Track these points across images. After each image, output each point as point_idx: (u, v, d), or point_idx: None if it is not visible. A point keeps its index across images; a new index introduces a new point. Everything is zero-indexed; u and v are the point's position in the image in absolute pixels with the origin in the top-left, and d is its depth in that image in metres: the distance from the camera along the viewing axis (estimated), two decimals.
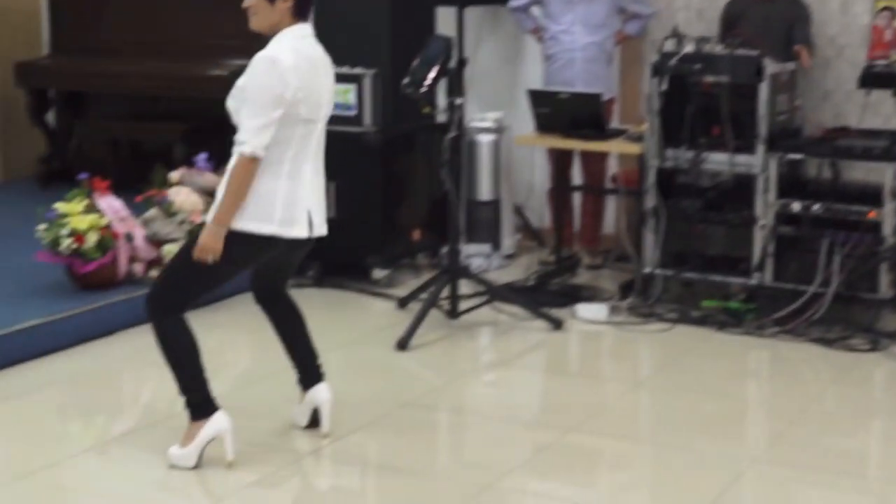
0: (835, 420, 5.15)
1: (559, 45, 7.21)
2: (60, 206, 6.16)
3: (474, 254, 7.30)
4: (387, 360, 5.80)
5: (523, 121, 7.23)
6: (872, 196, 6.03)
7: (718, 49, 6.26)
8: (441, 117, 6.51)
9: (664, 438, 4.93)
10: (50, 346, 5.75)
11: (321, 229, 4.60)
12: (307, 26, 4.54)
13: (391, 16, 6.84)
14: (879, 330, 6.02)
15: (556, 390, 5.63)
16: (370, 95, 6.78)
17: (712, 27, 7.11)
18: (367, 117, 6.80)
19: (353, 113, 6.80)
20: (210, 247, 4.33)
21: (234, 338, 6.08)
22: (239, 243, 4.38)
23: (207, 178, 6.57)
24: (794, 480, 4.52)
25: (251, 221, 4.37)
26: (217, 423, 4.49)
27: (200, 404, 4.50)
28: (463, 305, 6.30)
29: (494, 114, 7.57)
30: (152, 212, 6.47)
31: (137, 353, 5.81)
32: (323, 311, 6.47)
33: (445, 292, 6.21)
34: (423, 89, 5.82)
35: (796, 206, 6.15)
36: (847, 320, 6.07)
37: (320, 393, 4.83)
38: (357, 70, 6.77)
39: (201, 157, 6.72)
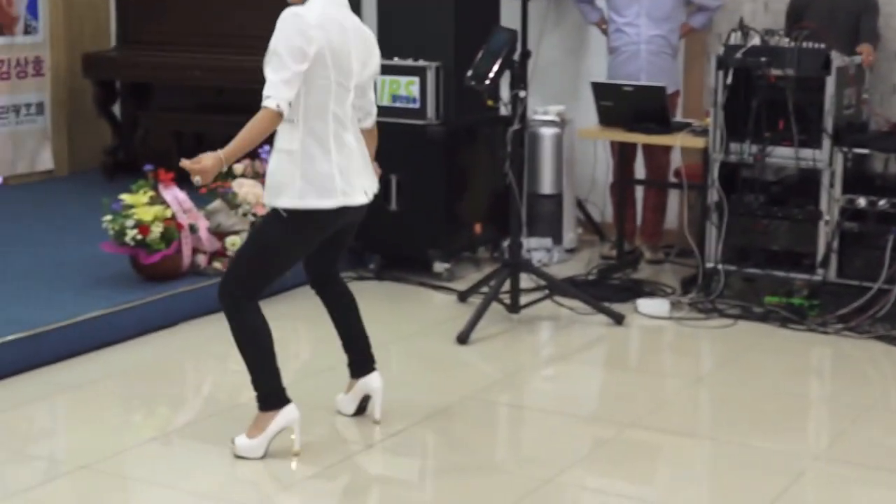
0: None
1: (624, 38, 7.18)
2: (126, 198, 6.22)
3: (535, 247, 7.29)
4: (447, 353, 5.80)
5: (586, 114, 7.21)
6: None
7: (785, 42, 6.21)
8: (504, 110, 6.50)
9: (724, 435, 4.90)
10: (113, 336, 5.81)
11: (374, 190, 4.61)
12: None
13: (455, 8, 6.83)
14: None
15: (616, 385, 5.61)
16: (433, 88, 6.78)
17: (779, 20, 7.04)
18: (430, 110, 6.81)
19: (416, 106, 6.82)
20: (207, 170, 4.24)
21: (295, 329, 6.11)
22: (302, 221, 4.40)
23: None
24: (856, 480, 4.48)
25: (316, 199, 4.38)
26: (288, 414, 4.51)
27: (272, 395, 4.51)
28: (524, 299, 6.29)
29: (557, 107, 7.55)
30: (216, 203, 6.51)
31: (200, 344, 5.87)
32: (384, 303, 6.50)
33: (506, 286, 6.21)
34: (487, 82, 5.80)
35: (862, 202, 6.08)
36: None
37: (373, 381, 4.85)
38: (420, 63, 6.78)
39: (265, 150, 6.74)
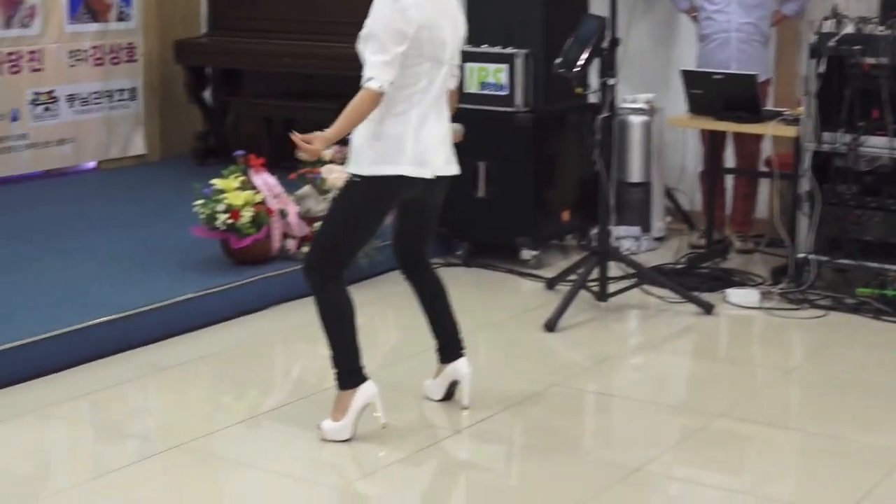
0: None
1: (714, 26, 7.11)
2: (217, 183, 6.29)
3: (624, 236, 7.26)
4: (534, 340, 5.80)
5: (676, 102, 7.15)
6: None
7: (879, 30, 6.11)
8: (593, 98, 6.47)
9: (814, 427, 4.85)
10: (205, 319, 5.88)
11: (451, 168, 4.63)
12: None
13: None
14: None
15: (705, 375, 5.57)
16: (522, 75, 6.77)
17: (872, 7, 6.93)
18: (519, 97, 6.80)
19: (504, 93, 6.81)
20: (316, 150, 4.44)
21: (383, 315, 6.14)
22: (375, 187, 4.46)
23: None
24: None
25: (383, 165, 4.45)
26: (367, 391, 4.56)
27: (351, 373, 4.56)
28: (612, 288, 6.27)
29: (646, 95, 7.51)
30: (305, 189, 6.56)
31: (289, 327, 5.92)
32: (471, 290, 6.51)
33: (594, 274, 6.19)
34: (576, 69, 5.79)
35: None
36: None
37: (461, 367, 4.87)
38: (509, 50, 6.78)
39: None
